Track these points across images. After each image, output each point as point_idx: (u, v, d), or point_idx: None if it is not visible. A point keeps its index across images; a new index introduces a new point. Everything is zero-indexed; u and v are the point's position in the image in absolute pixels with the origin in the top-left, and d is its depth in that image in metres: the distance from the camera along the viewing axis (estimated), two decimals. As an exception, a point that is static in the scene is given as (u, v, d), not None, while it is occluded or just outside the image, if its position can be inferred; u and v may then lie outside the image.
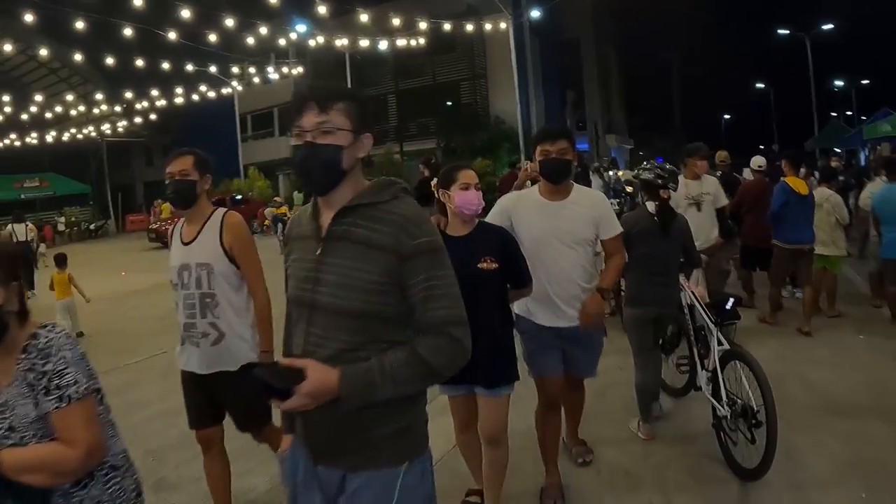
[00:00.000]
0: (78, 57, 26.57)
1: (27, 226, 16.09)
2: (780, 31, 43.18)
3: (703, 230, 6.73)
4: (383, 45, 31.18)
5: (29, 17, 21.36)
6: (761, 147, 41.57)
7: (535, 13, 28.61)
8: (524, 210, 4.05)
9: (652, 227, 4.86)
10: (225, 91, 34.75)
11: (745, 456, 4.27)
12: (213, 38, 25.61)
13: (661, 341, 5.23)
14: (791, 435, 4.71)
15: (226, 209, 3.85)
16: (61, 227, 35.37)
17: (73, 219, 38.50)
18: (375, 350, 1.99)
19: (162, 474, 5.02)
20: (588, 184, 22.54)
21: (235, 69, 33.54)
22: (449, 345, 2.01)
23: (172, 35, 23.42)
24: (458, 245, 3.32)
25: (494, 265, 3.48)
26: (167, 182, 3.68)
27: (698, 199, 6.91)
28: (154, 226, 28.13)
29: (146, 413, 6.36)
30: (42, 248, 21.89)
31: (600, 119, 48.71)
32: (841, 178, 13.70)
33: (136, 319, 11.41)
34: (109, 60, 26.53)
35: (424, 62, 37.15)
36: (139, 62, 27.49)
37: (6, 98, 31.32)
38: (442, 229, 3.57)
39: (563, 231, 3.94)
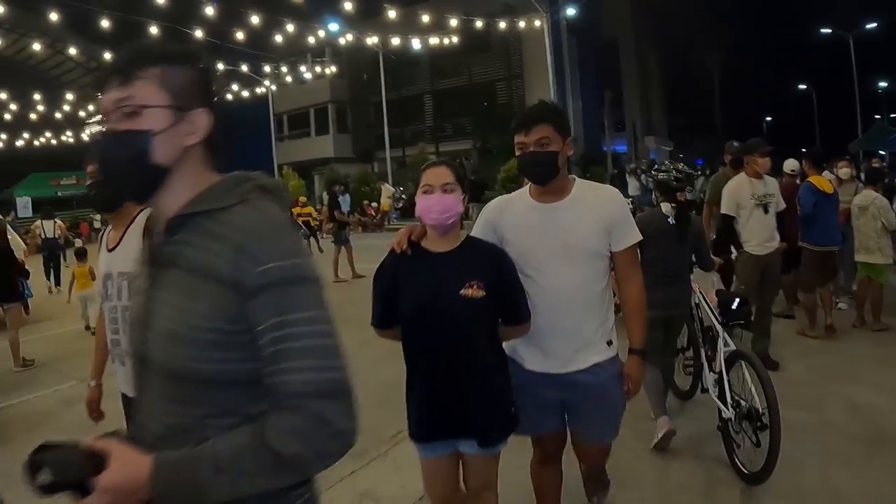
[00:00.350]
0: (110, 56, 26.72)
1: (55, 223, 16.04)
2: (823, 31, 42.02)
3: (768, 233, 6.43)
4: (417, 44, 30.96)
5: (57, 16, 21.66)
6: (803, 150, 40.45)
7: (572, 11, 28.07)
8: (511, 218, 3.07)
9: (667, 229, 4.77)
10: (259, 90, 34.74)
11: (749, 459, 4.18)
12: (246, 37, 25.53)
13: (671, 343, 5.14)
14: (832, 469, 4.33)
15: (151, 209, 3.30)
16: (97, 224, 35.57)
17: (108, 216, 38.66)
18: (221, 428, 1.36)
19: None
20: (624, 186, 22.27)
21: (269, 69, 33.40)
22: (309, 427, 1.31)
23: (200, 34, 23.23)
24: (435, 264, 2.76)
25: (481, 292, 2.69)
26: (88, 183, 3.29)
27: (765, 199, 6.37)
28: None
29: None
30: (78, 242, 22.18)
31: (639, 120, 48.00)
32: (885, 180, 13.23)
33: None
34: None
35: (460, 62, 36.94)
36: None
37: (41, 96, 31.64)
38: (415, 241, 2.84)
39: (560, 241, 2.93)
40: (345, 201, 24.49)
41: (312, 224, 20.19)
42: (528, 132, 2.88)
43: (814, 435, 4.80)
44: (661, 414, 4.79)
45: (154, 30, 21.50)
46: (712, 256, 5.28)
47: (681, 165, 5.11)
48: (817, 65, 57.80)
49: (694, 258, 5.05)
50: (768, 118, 70.89)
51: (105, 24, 21.18)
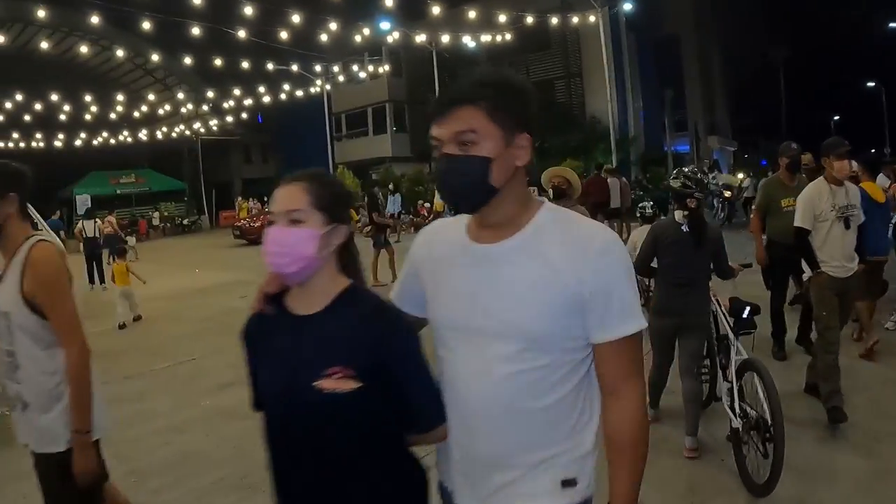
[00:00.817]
0: (174, 59, 27.40)
1: (95, 223, 16.55)
2: (893, 25, 40.49)
3: (849, 251, 5.39)
4: (472, 43, 30.85)
5: (97, 18, 22.51)
6: (872, 150, 39.26)
7: (628, 6, 27.59)
8: (432, 262, 1.88)
9: (681, 236, 4.67)
10: (313, 90, 34.95)
11: (756, 470, 4.08)
12: (300, 37, 25.84)
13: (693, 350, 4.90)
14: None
15: (39, 239, 2.79)
16: (156, 222, 36.37)
17: (166, 213, 39.49)
18: None
19: (137, 501, 4.20)
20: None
21: (320, 68, 33.55)
22: None
23: (242, 33, 23.46)
24: (293, 333, 1.82)
25: (350, 384, 1.70)
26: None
27: (846, 212, 5.31)
28: (239, 223, 28.27)
29: (149, 426, 6.02)
30: (132, 240, 22.81)
31: (702, 119, 46.92)
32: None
33: (182, 320, 11.13)
34: (213, 63, 27.41)
35: (517, 60, 36.58)
36: (237, 63, 28.42)
37: (94, 96, 32.48)
38: (274, 294, 1.89)
39: (486, 313, 1.68)
40: (394, 202, 24.60)
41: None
42: (441, 120, 1.65)
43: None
44: (692, 434, 4.66)
45: (196, 30, 21.88)
46: (731, 264, 5.02)
47: (690, 170, 4.93)
48: (887, 61, 55.79)
49: (712, 266, 4.85)
50: (836, 117, 68.81)
51: (146, 25, 21.73)
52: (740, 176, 31.03)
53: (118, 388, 6.99)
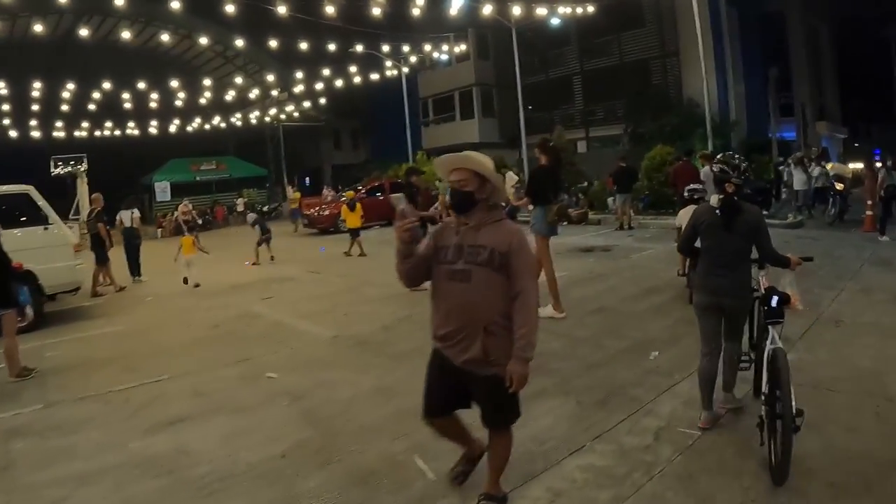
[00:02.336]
0: (255, 46, 27.34)
1: (132, 213, 15.76)
2: None
3: None
4: (556, 20, 29.57)
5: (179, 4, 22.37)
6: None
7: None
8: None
9: (715, 220, 4.85)
10: (392, 73, 34.23)
11: (776, 456, 4.14)
12: (383, 19, 25.39)
13: (732, 332, 5.07)
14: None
15: None
16: (240, 208, 36.29)
17: (246, 200, 39.38)
18: None
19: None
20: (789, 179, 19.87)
21: (407, 50, 32.75)
22: None
23: (330, 10, 22.89)
24: None
25: None
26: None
27: None
28: (308, 212, 27.03)
29: (56, 472, 4.93)
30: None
31: (809, 103, 43.99)
32: None
33: (190, 325, 10.06)
34: (294, 48, 27.35)
35: (611, 40, 34.90)
36: (318, 48, 28.09)
37: (179, 84, 32.64)
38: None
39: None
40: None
41: None
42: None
43: None
44: (704, 409, 4.98)
45: (281, 10, 21.64)
46: (790, 255, 4.99)
47: (728, 155, 5.02)
48: None
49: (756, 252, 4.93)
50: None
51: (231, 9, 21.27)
52: (852, 166, 28.75)
53: (64, 413, 6.21)
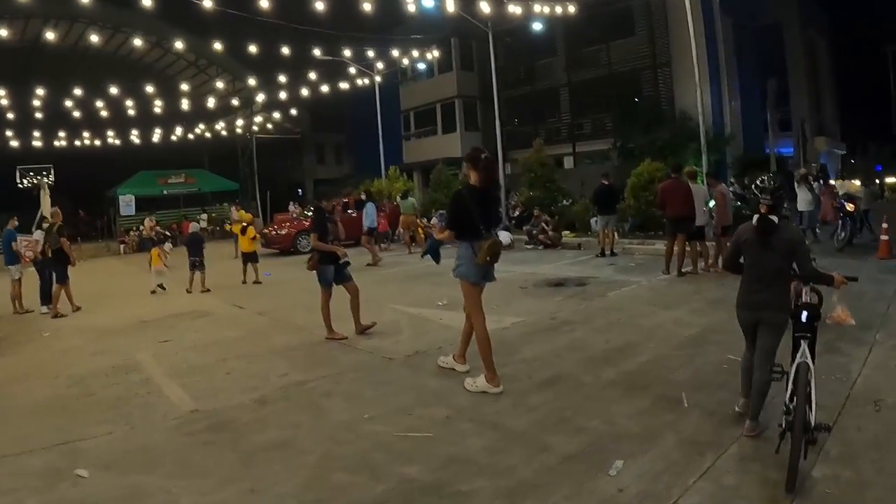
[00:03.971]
0: (226, 51, 26.26)
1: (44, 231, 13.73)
2: None
3: None
4: (537, 25, 27.85)
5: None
6: None
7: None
8: None
9: (752, 237, 5.03)
10: (362, 84, 32.61)
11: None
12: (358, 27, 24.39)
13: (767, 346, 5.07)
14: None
15: None
16: (203, 224, 34.12)
17: (213, 215, 37.28)
18: None
19: None
20: (792, 196, 17.83)
21: (374, 57, 31.12)
22: None
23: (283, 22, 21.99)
24: None
25: None
26: None
27: None
28: (267, 230, 24.71)
29: None
30: (168, 247, 20.92)
31: (808, 118, 42.05)
32: None
33: (56, 376, 7.94)
34: (269, 55, 26.48)
35: (599, 50, 32.96)
36: (288, 56, 27.26)
37: (150, 92, 30.94)
38: None
39: None
40: (368, 214, 20.65)
41: None
42: None
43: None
44: (753, 419, 5.01)
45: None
46: (834, 273, 5.08)
47: (763, 179, 5.11)
48: None
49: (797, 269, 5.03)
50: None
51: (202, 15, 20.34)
52: (856, 183, 26.99)
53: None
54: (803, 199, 17.90)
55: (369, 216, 19.13)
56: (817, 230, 17.86)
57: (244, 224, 17.38)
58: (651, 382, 6.39)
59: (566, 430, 5.32)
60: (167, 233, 26.06)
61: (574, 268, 15.05)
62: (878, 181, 42.83)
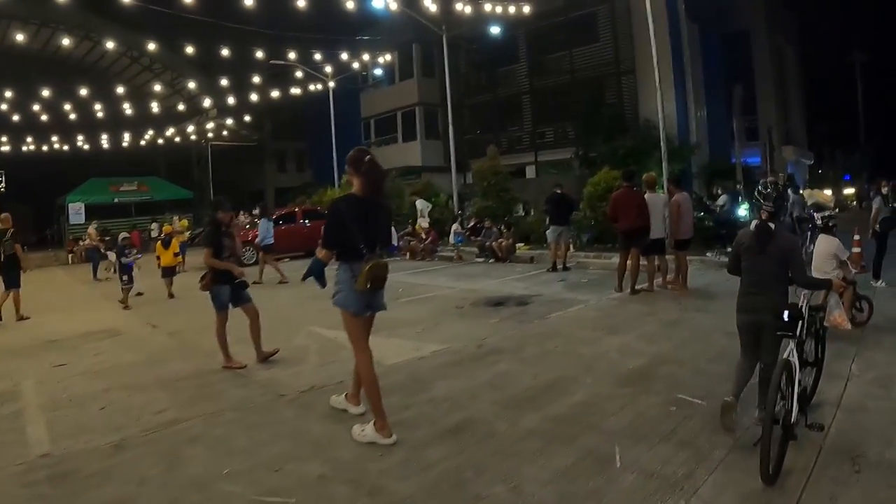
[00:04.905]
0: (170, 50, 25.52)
1: None
2: None
3: None
4: (496, 29, 27.05)
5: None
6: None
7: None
8: None
9: (750, 243, 5.19)
10: (315, 89, 31.75)
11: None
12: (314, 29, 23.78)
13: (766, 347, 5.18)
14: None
15: None
16: (154, 234, 32.62)
17: (164, 225, 35.99)
18: None
19: None
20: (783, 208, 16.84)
21: (322, 60, 30.36)
22: None
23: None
24: None
25: None
26: None
27: None
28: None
29: None
30: (112, 255, 20.50)
31: (775, 126, 41.39)
32: None
33: None
34: (219, 55, 25.88)
35: (562, 56, 32.08)
36: (239, 58, 26.81)
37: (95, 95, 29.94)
38: None
39: None
40: (266, 228, 19.76)
41: None
42: None
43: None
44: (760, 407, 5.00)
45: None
46: (834, 278, 6.09)
47: (762, 184, 5.71)
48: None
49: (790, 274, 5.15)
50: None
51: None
52: (827, 192, 26.35)
53: None
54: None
55: (262, 232, 17.72)
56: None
57: (165, 236, 16.38)
58: (579, 432, 5.25)
59: (459, 499, 4.23)
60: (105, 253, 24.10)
61: (521, 284, 14.00)
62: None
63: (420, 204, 23.34)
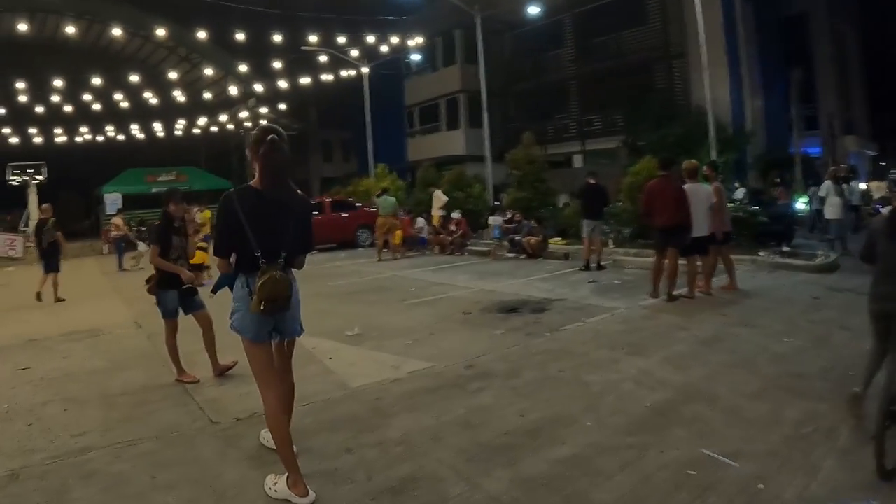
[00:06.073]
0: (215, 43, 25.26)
1: None
2: None
3: None
4: (535, 9, 26.09)
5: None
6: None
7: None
8: None
9: (883, 228, 5.01)
10: (355, 75, 31.22)
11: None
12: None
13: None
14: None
15: None
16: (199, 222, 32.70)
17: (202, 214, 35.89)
18: None
19: None
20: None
21: (348, 44, 29.88)
22: None
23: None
24: None
25: None
26: None
27: None
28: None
29: None
30: (142, 246, 21.82)
31: (836, 115, 39.48)
32: None
33: None
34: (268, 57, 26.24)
35: (607, 39, 30.82)
36: (283, 48, 27.14)
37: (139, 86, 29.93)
38: None
39: None
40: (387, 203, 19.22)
41: None
42: None
43: None
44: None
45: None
46: None
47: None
48: None
49: None
50: None
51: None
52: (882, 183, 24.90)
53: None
54: (832, 204, 15.60)
55: None
56: (847, 243, 15.34)
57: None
58: (562, 484, 4.10)
59: None
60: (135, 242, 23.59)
61: (545, 285, 12.64)
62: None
63: (437, 196, 22.39)
